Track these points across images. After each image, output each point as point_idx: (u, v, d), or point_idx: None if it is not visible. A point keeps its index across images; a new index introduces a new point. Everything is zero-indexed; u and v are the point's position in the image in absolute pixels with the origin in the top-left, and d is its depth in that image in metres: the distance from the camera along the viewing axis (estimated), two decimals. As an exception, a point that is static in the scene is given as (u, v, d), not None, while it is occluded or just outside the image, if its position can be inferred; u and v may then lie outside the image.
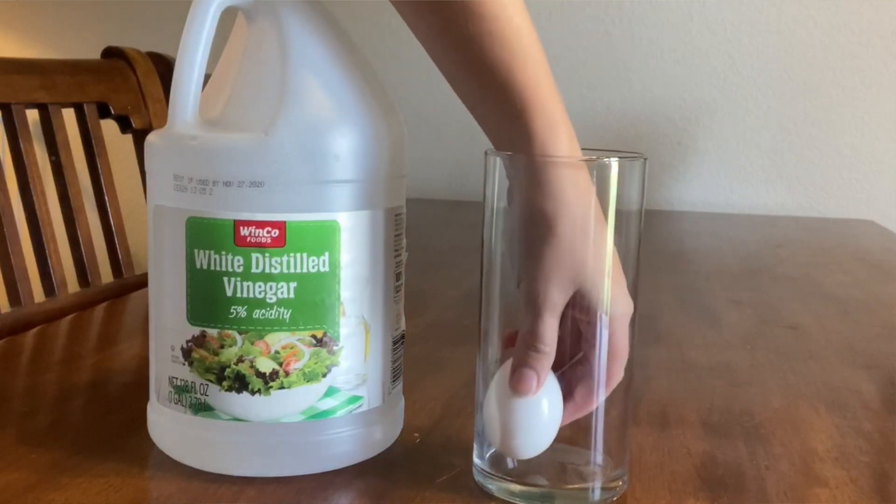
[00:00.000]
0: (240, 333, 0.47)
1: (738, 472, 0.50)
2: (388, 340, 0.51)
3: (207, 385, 0.48)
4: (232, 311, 0.47)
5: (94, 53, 1.16)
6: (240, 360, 0.47)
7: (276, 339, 0.47)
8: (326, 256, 0.47)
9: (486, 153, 0.47)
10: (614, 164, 0.45)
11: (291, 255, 0.46)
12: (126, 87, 1.12)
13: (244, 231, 0.46)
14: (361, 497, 0.47)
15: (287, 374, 0.47)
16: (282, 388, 0.47)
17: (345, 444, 0.49)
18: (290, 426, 0.48)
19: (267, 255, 0.46)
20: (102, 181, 1.06)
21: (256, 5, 0.49)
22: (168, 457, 0.50)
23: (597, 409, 0.47)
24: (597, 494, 0.47)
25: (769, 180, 1.69)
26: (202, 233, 0.47)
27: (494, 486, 0.47)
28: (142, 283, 1.04)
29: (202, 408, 0.48)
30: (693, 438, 0.55)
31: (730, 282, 1.04)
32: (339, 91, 0.48)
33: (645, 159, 0.46)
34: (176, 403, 0.49)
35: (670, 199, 1.72)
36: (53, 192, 1.01)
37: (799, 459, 0.53)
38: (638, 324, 0.48)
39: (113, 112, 1.10)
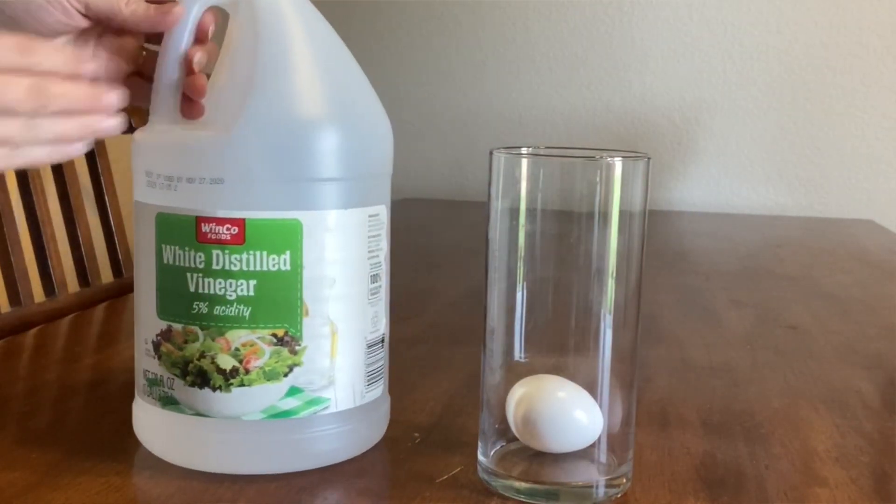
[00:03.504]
0: (202, 329, 0.47)
1: (738, 472, 0.50)
2: (362, 343, 0.50)
3: (174, 379, 0.48)
4: (195, 306, 0.47)
5: (94, 53, 1.16)
6: (202, 355, 0.47)
7: (237, 336, 0.47)
8: (288, 255, 0.47)
9: (490, 152, 0.47)
10: (618, 163, 0.45)
11: (251, 252, 0.46)
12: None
13: (205, 228, 0.46)
14: (362, 496, 0.47)
15: (247, 371, 0.47)
16: (242, 385, 0.47)
17: (309, 446, 0.49)
18: (251, 424, 0.48)
19: (227, 252, 0.46)
20: (102, 181, 1.06)
21: (238, 4, 0.49)
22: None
23: (601, 406, 0.47)
24: (601, 492, 0.47)
25: (769, 180, 1.69)
26: (169, 228, 0.48)
27: (499, 484, 0.47)
28: (142, 282, 1.04)
29: (169, 401, 0.49)
30: (693, 438, 0.55)
31: (730, 282, 1.04)
32: (309, 89, 0.48)
33: (648, 159, 0.46)
34: (148, 396, 0.50)
35: (670, 199, 1.72)
36: (53, 192, 1.01)
37: (799, 459, 0.53)
38: (638, 324, 0.48)
39: (113, 112, 1.10)
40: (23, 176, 0.97)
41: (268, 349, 0.47)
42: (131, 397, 0.55)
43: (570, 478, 0.48)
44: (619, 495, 0.47)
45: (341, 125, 0.48)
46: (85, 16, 0.49)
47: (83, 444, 0.52)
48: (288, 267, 0.47)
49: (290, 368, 0.47)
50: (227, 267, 0.46)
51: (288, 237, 0.47)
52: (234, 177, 0.46)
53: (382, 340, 0.52)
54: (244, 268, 0.46)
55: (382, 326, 0.52)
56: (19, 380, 0.65)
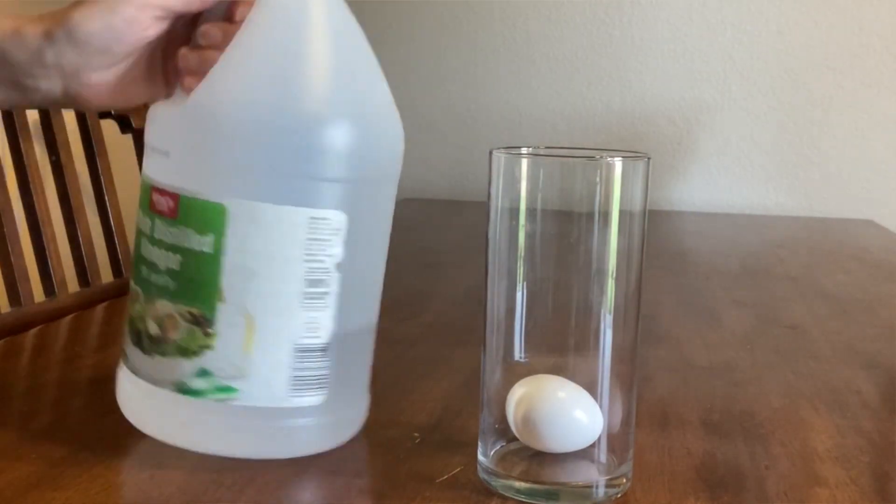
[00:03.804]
0: (143, 292, 0.49)
1: (738, 472, 0.50)
2: (288, 346, 0.48)
3: (126, 336, 0.51)
4: (142, 269, 0.50)
5: (94, 53, 1.16)
6: (140, 317, 0.49)
7: (162, 307, 0.48)
8: (211, 238, 0.47)
9: (490, 152, 0.47)
10: (618, 163, 0.45)
11: (181, 228, 0.47)
12: (126, 86, 1.12)
13: (154, 196, 0.49)
14: (362, 496, 0.47)
15: (166, 341, 0.48)
16: (161, 354, 0.48)
17: (216, 430, 0.49)
18: (165, 393, 0.49)
19: (164, 223, 0.48)
20: (102, 181, 1.06)
21: None
22: (168, 457, 0.50)
23: (601, 406, 0.47)
24: (601, 492, 0.47)
25: (769, 180, 1.69)
26: (143, 193, 0.50)
27: (499, 484, 0.47)
28: (142, 282, 1.04)
29: (124, 355, 0.52)
30: (693, 438, 0.55)
31: (730, 282, 1.04)
32: (282, 74, 0.47)
33: (648, 159, 0.46)
34: (122, 353, 0.53)
35: (670, 199, 1.72)
36: (53, 192, 1.01)
37: (799, 459, 0.53)
38: (638, 324, 0.48)
39: (113, 112, 1.10)
40: (23, 176, 0.97)
41: (184, 325, 0.48)
42: (131, 397, 0.55)
43: (570, 478, 0.48)
44: (619, 495, 0.47)
45: (294, 118, 0.47)
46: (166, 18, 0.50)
47: (83, 444, 0.52)
48: (210, 250, 0.47)
49: (202, 350, 0.48)
50: (162, 238, 0.48)
51: (214, 220, 0.47)
52: (177, 151, 0.48)
53: (325, 349, 0.49)
54: (173, 242, 0.48)
55: (326, 335, 0.49)
56: (19, 380, 0.65)
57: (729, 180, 1.70)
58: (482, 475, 0.48)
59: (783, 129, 1.67)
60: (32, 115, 1.00)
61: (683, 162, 1.71)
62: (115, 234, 1.07)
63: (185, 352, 0.48)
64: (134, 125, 1.12)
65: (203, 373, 0.48)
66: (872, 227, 1.52)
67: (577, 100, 1.74)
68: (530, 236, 0.47)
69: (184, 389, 0.48)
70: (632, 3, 1.70)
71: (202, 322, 0.47)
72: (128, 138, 1.15)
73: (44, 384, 0.63)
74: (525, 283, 0.47)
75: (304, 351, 0.49)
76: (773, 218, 1.62)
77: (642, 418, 0.58)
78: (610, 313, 0.46)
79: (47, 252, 0.96)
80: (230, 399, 0.48)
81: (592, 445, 0.47)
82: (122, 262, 1.07)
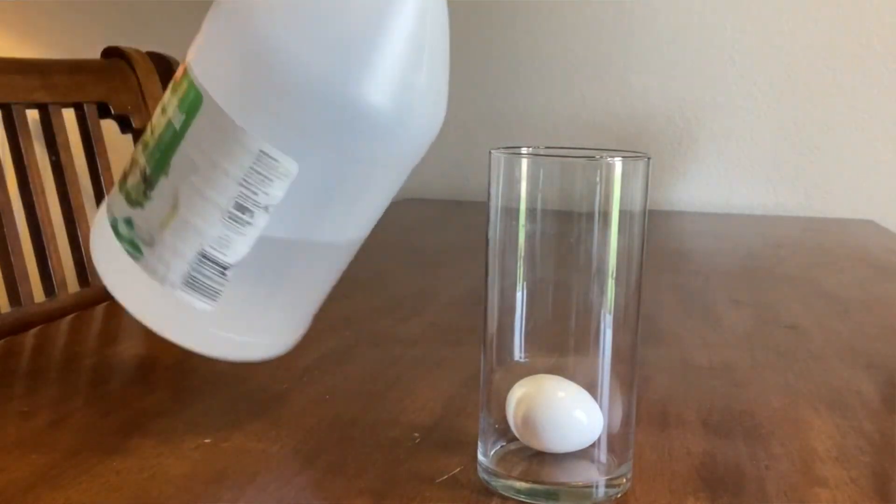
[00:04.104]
0: (143, 136, 0.53)
1: (738, 472, 0.50)
2: (195, 247, 0.50)
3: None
4: (153, 116, 0.53)
5: (94, 53, 1.16)
6: (132, 155, 0.53)
7: (138, 154, 0.52)
8: (183, 118, 0.49)
9: (489, 152, 0.47)
10: (618, 163, 0.45)
11: (173, 96, 0.50)
12: (126, 87, 1.12)
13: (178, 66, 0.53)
14: (361, 496, 0.47)
15: (125, 181, 0.52)
16: (118, 190, 0.53)
17: (123, 278, 0.52)
18: (106, 227, 0.53)
19: (171, 86, 0.51)
20: (102, 181, 1.06)
21: None
22: (168, 457, 0.50)
23: (601, 406, 0.47)
24: (601, 492, 0.47)
25: (769, 180, 1.69)
26: None
27: (499, 484, 0.47)
28: (142, 282, 1.04)
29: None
30: (693, 438, 0.55)
31: (730, 282, 1.04)
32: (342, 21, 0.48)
33: (649, 158, 0.46)
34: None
35: (670, 198, 1.72)
36: (53, 192, 1.01)
37: (799, 459, 0.53)
38: (638, 324, 0.48)
39: (113, 112, 1.10)
40: (23, 176, 0.97)
41: (137, 176, 0.51)
42: (132, 397, 0.55)
43: (570, 478, 0.48)
44: (619, 495, 0.47)
45: (317, 65, 0.47)
46: None
47: (83, 444, 0.52)
48: (178, 127, 0.49)
49: (137, 204, 0.51)
50: (164, 98, 0.52)
51: (191, 104, 0.49)
52: (207, 32, 0.50)
53: (227, 268, 0.50)
54: (165, 104, 0.51)
55: (233, 258, 0.50)
56: (19, 380, 0.65)
57: (729, 180, 1.70)
58: (482, 475, 0.48)
59: (783, 129, 1.67)
60: (32, 115, 1.00)
61: (683, 162, 1.71)
62: (115, 234, 1.07)
63: (129, 197, 0.52)
64: (134, 125, 1.12)
65: (129, 222, 0.51)
66: (872, 227, 1.52)
67: (577, 100, 1.74)
68: (530, 236, 0.47)
69: (115, 227, 0.52)
70: (632, 3, 1.70)
71: (147, 182, 0.50)
72: (128, 138, 1.15)
73: (44, 384, 0.63)
74: (525, 283, 0.47)
75: (206, 258, 0.50)
76: (773, 218, 1.62)
77: (642, 418, 0.58)
78: (610, 313, 0.46)
79: (47, 252, 0.96)
80: (135, 257, 0.51)
81: (592, 445, 0.47)
82: (122, 262, 1.07)
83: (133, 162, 0.52)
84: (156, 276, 0.51)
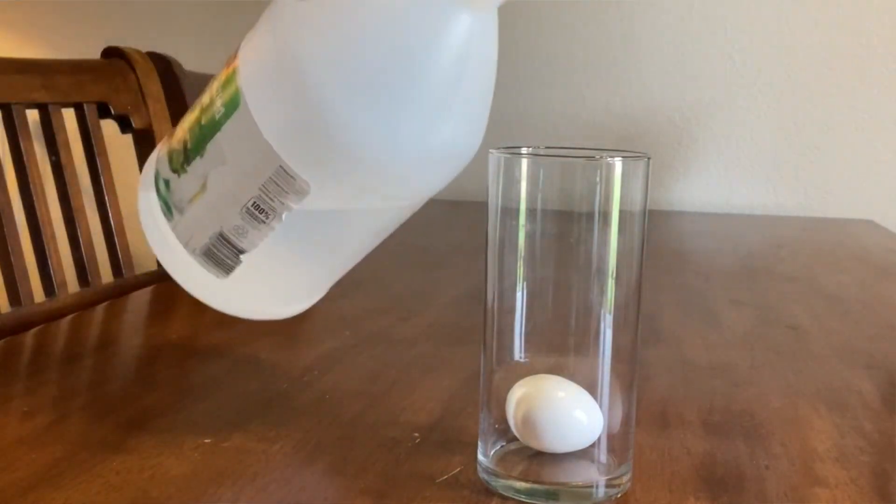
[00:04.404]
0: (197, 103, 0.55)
1: (738, 472, 0.50)
2: (216, 227, 0.52)
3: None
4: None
5: (94, 53, 1.16)
6: (182, 126, 0.56)
7: (188, 121, 0.54)
8: (224, 110, 0.50)
9: (489, 152, 0.47)
10: (618, 163, 0.45)
11: (220, 83, 0.52)
12: (126, 87, 1.12)
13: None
14: (361, 496, 0.47)
15: (170, 144, 0.55)
16: (165, 153, 0.55)
17: (159, 233, 0.55)
18: (150, 182, 0.56)
19: (227, 69, 0.52)
20: (102, 181, 1.06)
21: None
22: (168, 457, 0.50)
23: (601, 406, 0.47)
24: (601, 492, 0.47)
25: (769, 180, 1.69)
26: None
27: (499, 484, 0.47)
28: (142, 283, 1.04)
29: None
30: (693, 438, 0.55)
31: (730, 282, 1.04)
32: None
33: (648, 158, 0.46)
34: None
35: (670, 199, 1.72)
36: (53, 192, 1.01)
37: (799, 459, 0.53)
38: (638, 324, 0.48)
39: (113, 112, 1.10)
40: (23, 176, 0.97)
41: (179, 144, 0.54)
42: (132, 397, 0.56)
43: (570, 478, 0.48)
44: (619, 495, 0.47)
45: (341, 95, 0.47)
46: None
47: (83, 444, 0.52)
48: (218, 117, 0.51)
49: (176, 171, 0.53)
50: (216, 79, 0.53)
51: (232, 100, 0.50)
52: (261, 27, 0.51)
53: (241, 252, 0.52)
54: (216, 85, 0.52)
55: (248, 246, 0.52)
56: (19, 380, 0.65)
57: (729, 180, 1.70)
58: (482, 475, 0.48)
59: (783, 129, 1.67)
60: (32, 115, 1.00)
61: (683, 162, 1.71)
62: (115, 234, 1.07)
63: (171, 161, 0.54)
64: (134, 125, 1.12)
65: (167, 184, 0.54)
66: (872, 227, 1.52)
67: (577, 100, 1.74)
68: (530, 236, 0.47)
69: (157, 182, 0.55)
70: (632, 3, 1.70)
71: (186, 156, 0.53)
72: (128, 138, 1.15)
73: (44, 384, 0.63)
74: (525, 283, 0.47)
75: (224, 240, 0.53)
76: (773, 218, 1.62)
77: (642, 418, 0.58)
78: (610, 313, 0.46)
79: (47, 252, 0.96)
80: (167, 217, 0.54)
81: (592, 445, 0.47)
82: (122, 262, 1.07)
83: (182, 126, 0.55)
84: (180, 240, 0.54)
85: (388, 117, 0.48)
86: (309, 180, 0.50)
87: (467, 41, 0.48)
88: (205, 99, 0.53)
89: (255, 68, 0.50)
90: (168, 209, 0.54)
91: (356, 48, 0.47)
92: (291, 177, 0.50)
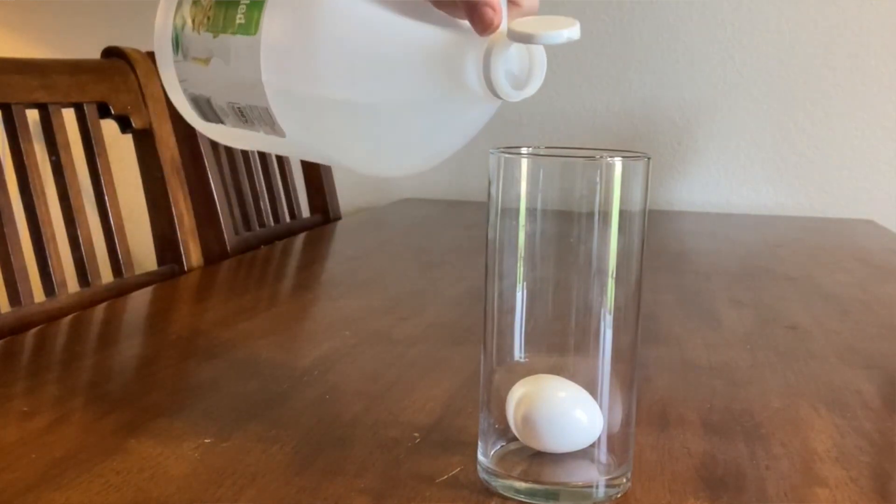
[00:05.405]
0: None
1: (738, 472, 0.50)
2: (209, 95, 0.54)
3: None
4: None
5: (94, 53, 1.16)
6: None
7: None
8: (241, 23, 0.50)
9: (489, 152, 0.47)
10: (618, 163, 0.45)
11: None
12: (126, 87, 1.12)
13: None
14: (361, 496, 0.47)
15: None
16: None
17: (163, 53, 0.56)
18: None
19: None
20: (102, 181, 1.06)
21: None
22: (168, 456, 0.50)
23: (601, 406, 0.47)
24: (601, 492, 0.47)
25: (769, 180, 1.69)
26: None
27: (499, 484, 0.47)
28: (142, 283, 1.04)
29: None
30: (693, 438, 0.55)
31: (730, 282, 1.04)
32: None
33: (648, 159, 0.46)
34: None
35: (670, 199, 1.72)
36: (53, 192, 1.01)
37: (799, 459, 0.53)
38: (638, 324, 0.48)
39: (113, 112, 1.10)
40: (23, 176, 0.97)
41: (202, 9, 0.53)
42: (132, 397, 0.56)
43: (570, 478, 0.48)
44: (619, 495, 0.47)
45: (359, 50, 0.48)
46: None
47: (83, 444, 0.52)
48: (236, 21, 0.51)
49: (192, 22, 0.54)
50: None
51: (249, 26, 0.50)
52: None
53: (221, 123, 0.56)
54: None
55: (229, 125, 0.55)
56: (19, 380, 0.65)
57: (729, 180, 1.70)
58: (482, 475, 0.48)
59: (783, 129, 1.67)
60: (32, 115, 1.00)
61: (683, 162, 1.71)
62: (115, 234, 1.07)
63: (193, 6, 0.54)
64: (134, 125, 1.12)
65: (182, 24, 0.54)
66: (872, 227, 1.52)
67: (577, 100, 1.74)
68: (530, 236, 0.47)
69: (175, 13, 0.55)
70: (632, 3, 1.70)
71: (203, 23, 0.53)
72: (128, 138, 1.15)
73: (43, 384, 0.63)
74: (525, 283, 0.47)
75: (210, 106, 0.55)
76: (773, 218, 1.62)
77: (642, 418, 0.58)
78: (610, 313, 0.46)
79: (47, 252, 0.96)
80: (173, 52, 0.55)
81: (592, 445, 0.47)
82: (122, 262, 1.07)
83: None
84: (178, 75, 0.56)
85: (371, 145, 0.53)
86: (286, 131, 0.52)
87: (472, 118, 0.56)
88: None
89: (278, 29, 0.50)
90: (176, 47, 0.55)
91: (375, 71, 0.49)
92: (273, 120, 0.52)
